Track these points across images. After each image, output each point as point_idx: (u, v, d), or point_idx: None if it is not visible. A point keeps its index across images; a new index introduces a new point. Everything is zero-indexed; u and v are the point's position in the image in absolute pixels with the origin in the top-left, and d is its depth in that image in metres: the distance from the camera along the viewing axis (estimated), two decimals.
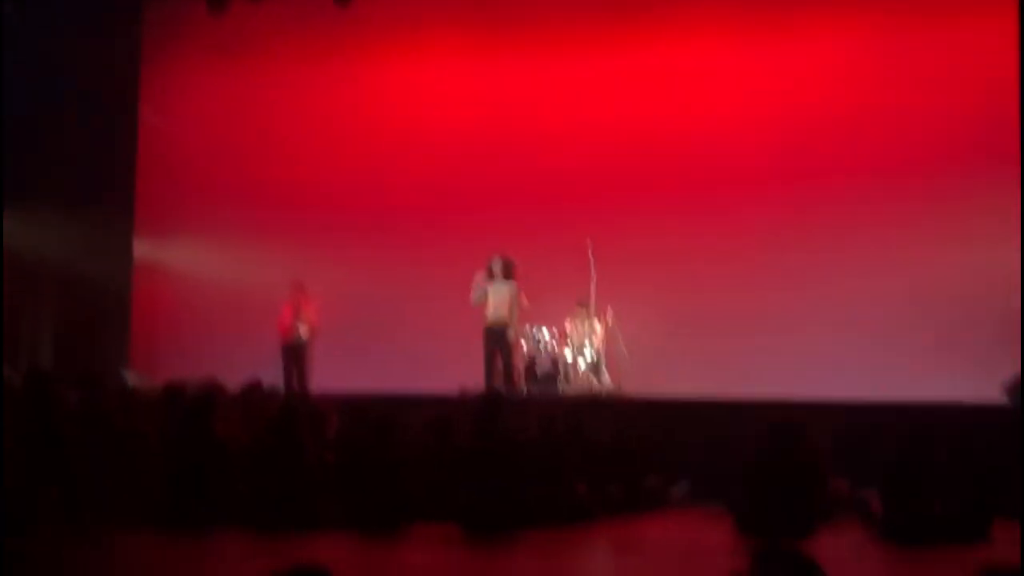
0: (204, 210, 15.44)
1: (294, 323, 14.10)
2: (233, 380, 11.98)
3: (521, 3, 14.45)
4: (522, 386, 13.00)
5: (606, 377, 13.21)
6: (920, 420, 8.97)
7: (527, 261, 13.23)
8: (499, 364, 12.96)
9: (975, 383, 11.73)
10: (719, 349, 13.35)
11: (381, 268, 14.70)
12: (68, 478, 8.95)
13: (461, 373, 13.04)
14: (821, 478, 9.63)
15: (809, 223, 13.40)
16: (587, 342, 13.21)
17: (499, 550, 8.04)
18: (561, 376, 13.03)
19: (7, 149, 14.25)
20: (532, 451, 9.23)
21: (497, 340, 12.94)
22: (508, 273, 13.08)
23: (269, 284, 14.60)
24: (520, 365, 13.14)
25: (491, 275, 13.08)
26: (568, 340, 13.25)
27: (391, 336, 14.43)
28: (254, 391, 12.06)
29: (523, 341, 13.22)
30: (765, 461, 8.80)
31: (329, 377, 13.62)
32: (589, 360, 13.20)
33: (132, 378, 13.77)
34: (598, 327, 13.22)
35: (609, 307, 13.23)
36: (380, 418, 9.11)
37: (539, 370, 13.01)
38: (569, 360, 13.18)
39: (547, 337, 13.21)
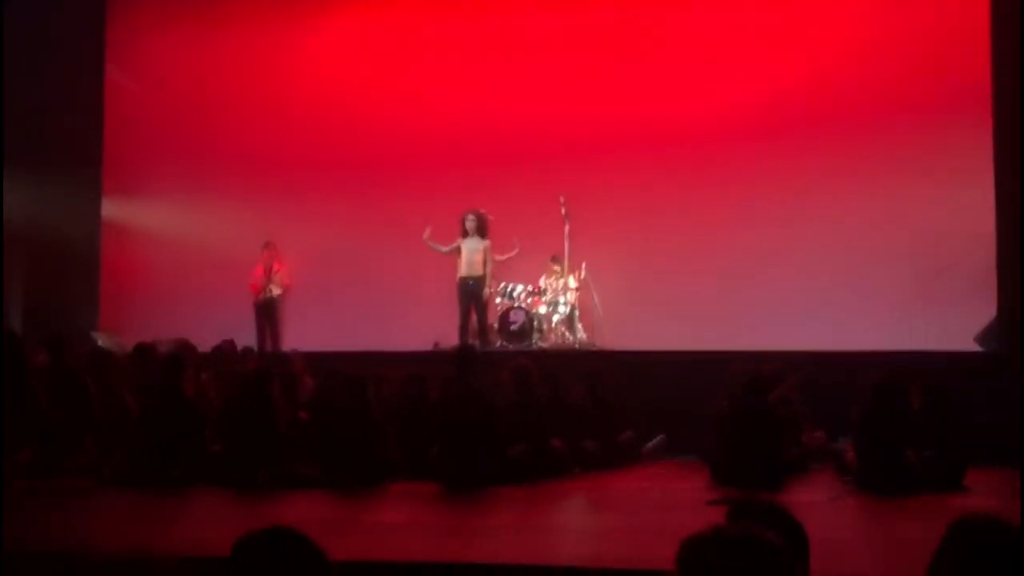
0: (172, 169, 15.28)
1: (266, 282, 14.08)
2: (205, 340, 11.95)
3: None
4: (496, 341, 12.99)
5: (580, 332, 13.21)
6: (893, 369, 8.99)
7: (500, 217, 13.20)
8: (473, 320, 12.97)
9: (949, 331, 11.81)
10: (693, 302, 13.35)
11: (353, 225, 14.61)
12: (40, 438, 8.91)
13: (434, 329, 13.05)
14: (796, 430, 9.68)
15: (782, 175, 13.36)
16: (561, 297, 13.19)
17: (476, 506, 8.03)
18: (535, 331, 13.02)
19: None
20: (507, 407, 9.22)
21: (471, 295, 12.94)
22: (482, 229, 13.06)
23: (240, 243, 14.52)
24: (494, 320, 13.13)
25: (465, 231, 13.06)
26: (542, 295, 13.24)
27: (364, 293, 14.37)
28: (226, 350, 12.03)
29: (497, 297, 13.21)
30: (738, 413, 8.82)
31: (302, 335, 13.59)
32: (563, 315, 13.20)
33: (102, 339, 13.69)
34: (572, 282, 13.21)
35: (583, 262, 13.22)
36: (354, 376, 9.08)
37: (513, 325, 12.99)
38: (543, 314, 13.18)
39: (521, 292, 13.19)
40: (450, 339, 12.72)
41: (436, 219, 13.33)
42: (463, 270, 13.00)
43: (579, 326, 13.23)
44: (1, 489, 7.39)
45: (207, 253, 14.91)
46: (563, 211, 13.08)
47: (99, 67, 15.35)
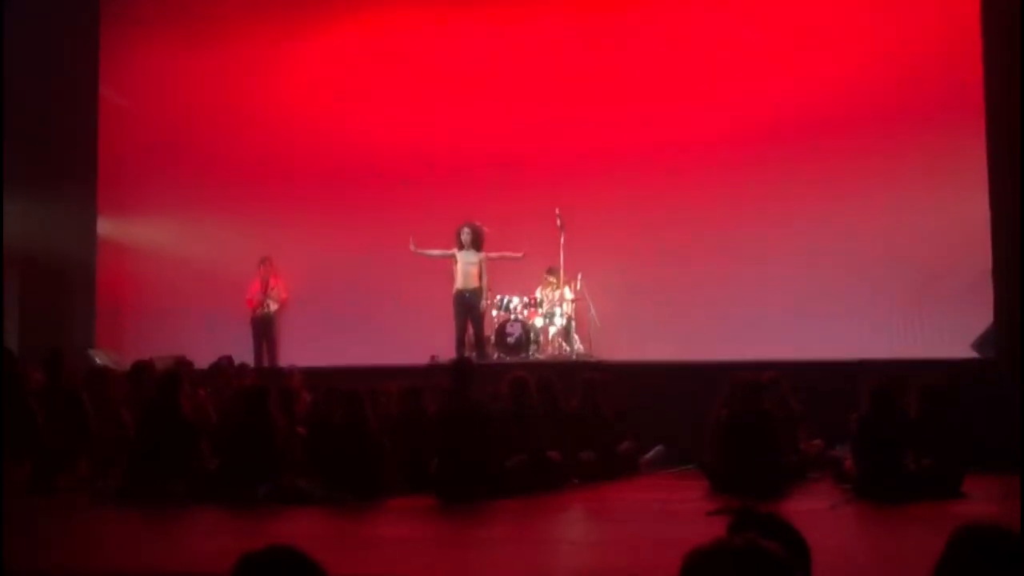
0: (168, 186, 15.27)
1: (263, 297, 14.08)
2: (202, 356, 11.93)
3: None
4: (493, 354, 12.98)
5: (577, 343, 13.21)
6: (890, 375, 8.98)
7: (496, 229, 13.20)
8: (470, 332, 12.97)
9: (946, 338, 11.82)
10: (690, 313, 13.35)
11: (349, 240, 14.59)
12: (37, 456, 8.90)
13: (431, 343, 13.03)
14: (794, 438, 9.67)
15: (777, 185, 13.36)
16: (557, 309, 13.20)
17: (474, 520, 8.02)
18: (532, 343, 13.01)
19: None
20: (504, 419, 9.20)
21: (467, 308, 12.94)
22: (477, 241, 13.05)
23: (236, 259, 14.52)
24: (491, 333, 13.13)
25: (460, 244, 13.06)
26: (538, 307, 13.24)
27: (360, 308, 14.35)
28: (224, 366, 12.02)
29: (493, 309, 13.21)
30: (736, 421, 8.81)
31: (299, 351, 13.56)
32: (560, 326, 13.20)
33: (99, 357, 13.67)
34: (568, 293, 13.21)
35: (579, 273, 13.22)
36: (351, 391, 9.06)
37: (510, 337, 12.98)
38: (539, 326, 13.18)
39: (517, 304, 13.19)
40: (447, 353, 12.69)
41: (433, 232, 13.31)
42: (459, 282, 13.00)
43: (576, 337, 13.22)
44: (1, 506, 7.38)
45: (203, 270, 14.89)
46: (559, 222, 13.07)
47: (93, 85, 15.35)
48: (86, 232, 15.20)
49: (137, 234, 15.43)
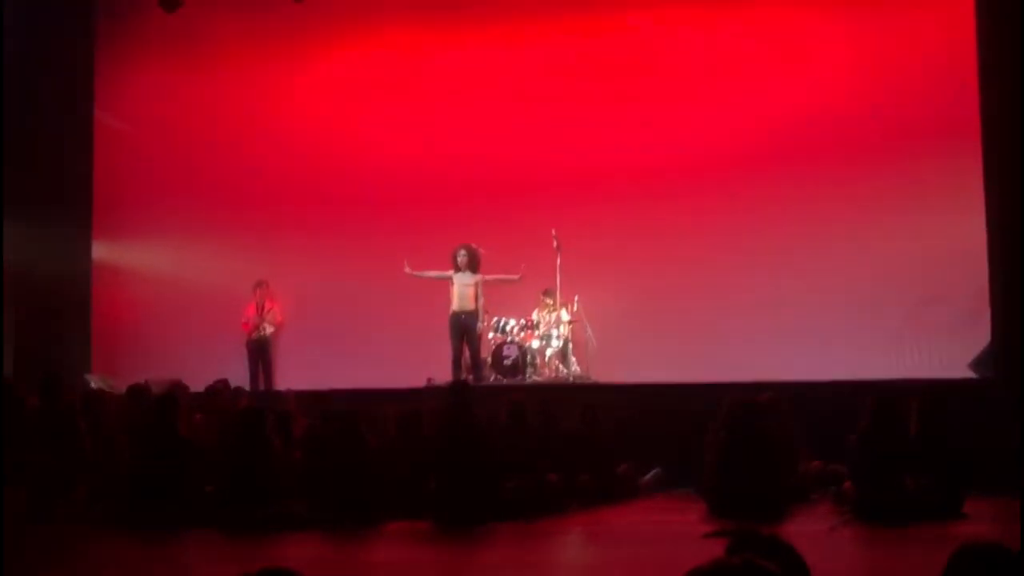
0: (163, 210, 15.26)
1: (259, 320, 14.06)
2: (198, 380, 11.89)
3: None
4: (490, 376, 12.96)
5: (574, 365, 13.19)
6: (889, 397, 8.95)
7: (492, 251, 13.19)
8: (466, 354, 12.95)
9: (944, 358, 11.81)
10: (687, 334, 13.34)
11: (344, 263, 14.58)
12: (33, 481, 8.86)
13: (428, 366, 13.01)
14: (793, 459, 9.64)
15: (773, 206, 13.38)
16: (554, 331, 13.18)
17: (472, 544, 7.98)
18: (529, 365, 12.99)
19: None
20: (502, 442, 9.17)
21: (464, 330, 12.92)
22: (473, 263, 13.05)
23: (231, 283, 14.51)
24: (487, 355, 13.11)
25: (456, 266, 13.05)
26: (535, 329, 13.23)
27: (357, 331, 14.33)
28: (219, 390, 11.97)
29: (490, 332, 13.20)
30: (734, 443, 8.78)
31: (295, 374, 13.53)
32: (556, 348, 13.19)
33: (95, 381, 13.63)
34: (565, 315, 13.20)
35: (575, 295, 13.21)
36: (347, 414, 9.03)
37: (506, 360, 12.96)
38: (536, 348, 13.16)
39: (514, 327, 13.18)
40: (444, 375, 12.67)
41: (429, 254, 13.32)
42: (455, 304, 12.99)
43: (573, 359, 13.21)
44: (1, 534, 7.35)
45: (199, 294, 14.88)
46: (555, 244, 13.07)
47: (88, 110, 15.35)
48: (81, 256, 15.17)
49: (133, 258, 15.40)
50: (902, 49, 13.05)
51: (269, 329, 14.12)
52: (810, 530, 7.76)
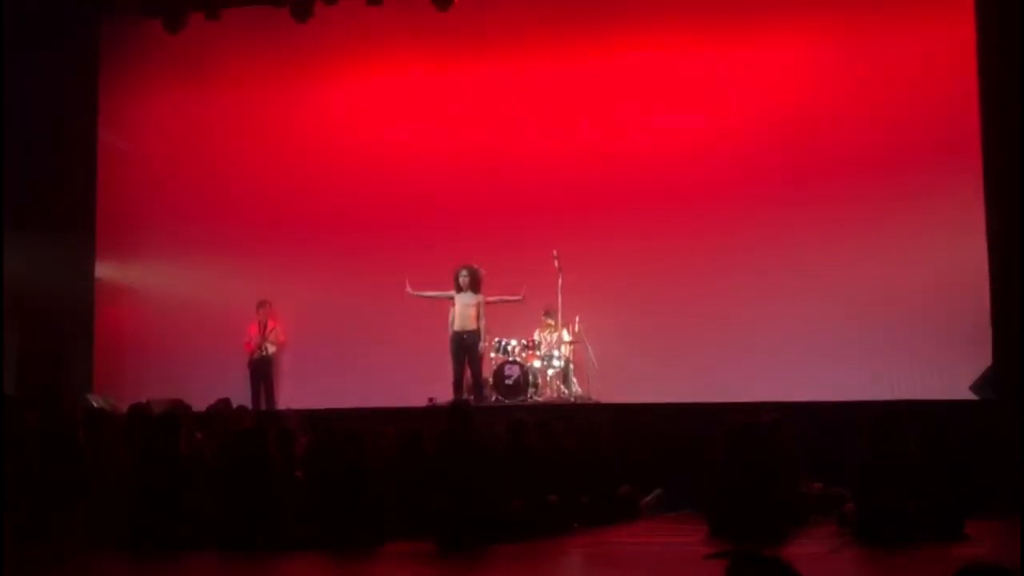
0: (166, 230, 15.30)
1: (261, 340, 14.07)
2: (200, 399, 11.89)
3: (483, 15, 14.36)
4: (491, 396, 12.96)
5: (575, 385, 13.19)
6: (890, 418, 8.94)
7: (493, 271, 13.20)
8: (468, 374, 12.95)
9: (945, 381, 11.80)
10: (688, 355, 13.36)
11: (347, 283, 14.61)
12: (33, 500, 8.84)
13: (429, 385, 13.01)
14: (794, 480, 9.62)
15: (773, 227, 13.41)
16: (555, 351, 13.19)
17: (473, 565, 7.96)
18: (530, 385, 12.99)
19: None
20: (503, 462, 9.15)
21: (465, 349, 12.93)
22: (475, 284, 13.06)
23: (233, 302, 14.53)
24: (489, 375, 13.11)
25: (458, 286, 13.06)
26: (536, 349, 13.23)
27: (358, 350, 14.35)
28: (221, 410, 11.96)
29: (491, 352, 13.21)
30: (736, 464, 8.76)
31: (297, 393, 13.55)
32: (558, 368, 13.18)
33: (96, 401, 13.61)
34: (566, 335, 13.21)
35: (576, 316, 13.22)
36: (349, 434, 9.02)
37: (508, 380, 12.96)
38: (538, 368, 13.16)
39: (515, 347, 13.18)
40: (445, 395, 12.68)
41: (431, 274, 13.33)
42: (456, 324, 13.01)
43: (574, 379, 13.21)
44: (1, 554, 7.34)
45: (201, 313, 14.90)
46: (556, 265, 13.10)
47: (92, 129, 15.39)
48: (84, 275, 15.20)
49: (135, 277, 15.44)
50: (902, 68, 13.12)
51: (271, 348, 14.16)
52: (811, 551, 7.74)
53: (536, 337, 13.38)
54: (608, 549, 8.75)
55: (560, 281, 13.09)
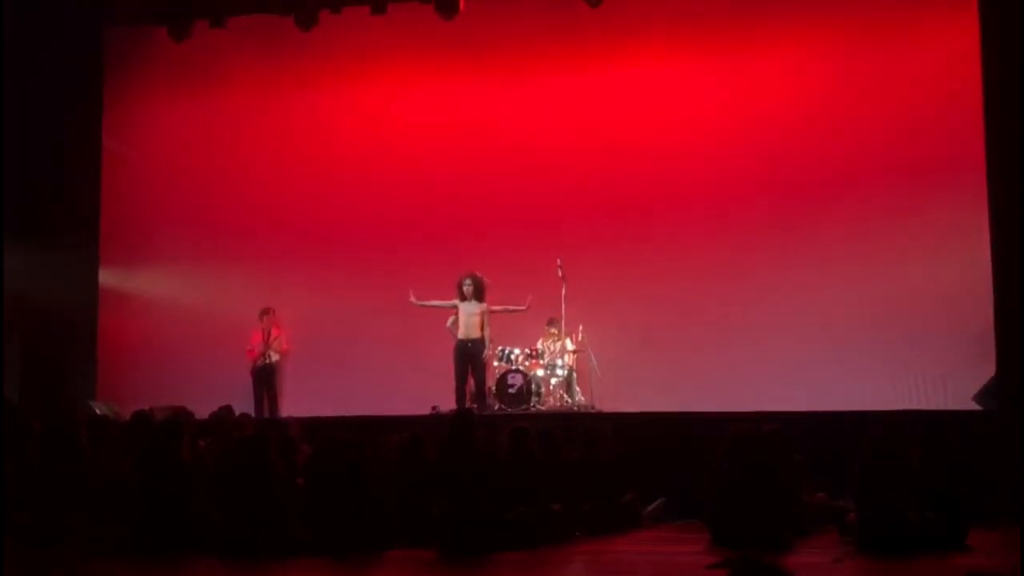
0: (170, 238, 15.32)
1: (264, 348, 14.08)
2: (202, 407, 11.89)
3: (485, 25, 14.37)
4: (494, 405, 12.96)
5: (578, 394, 13.19)
6: (893, 429, 8.93)
7: (497, 280, 13.21)
8: (471, 383, 12.95)
9: (948, 391, 11.79)
10: (692, 364, 13.35)
11: (350, 291, 14.62)
12: (35, 507, 8.85)
13: (433, 394, 13.00)
14: (797, 490, 9.60)
15: (777, 237, 13.42)
16: (559, 360, 13.19)
17: (475, 573, 7.96)
18: (533, 394, 12.99)
19: None
20: (505, 471, 9.15)
21: (468, 358, 12.94)
22: (479, 292, 13.07)
23: (237, 310, 14.55)
24: (492, 384, 13.11)
25: (462, 295, 13.07)
26: (540, 358, 13.23)
27: (362, 358, 14.35)
28: (224, 417, 11.96)
29: (495, 360, 13.21)
30: (738, 473, 8.76)
31: (300, 401, 13.55)
32: (561, 377, 13.18)
33: (99, 407, 13.63)
34: (569, 344, 13.21)
35: (580, 325, 13.23)
36: (351, 441, 9.02)
37: (511, 388, 12.96)
38: (541, 377, 13.16)
39: (518, 355, 13.19)
40: (448, 403, 12.68)
41: (435, 283, 13.34)
42: (460, 333, 13.02)
43: (577, 388, 13.21)
44: (1, 559, 7.34)
45: (204, 321, 14.92)
46: (560, 274, 13.10)
47: (96, 136, 15.42)
48: (88, 283, 15.22)
49: (139, 285, 15.46)
50: (906, 75, 13.12)
51: (275, 356, 14.17)
52: (813, 561, 7.73)
53: (539, 346, 13.38)
54: (610, 557, 8.74)
55: (564, 290, 13.09)
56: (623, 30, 14.17)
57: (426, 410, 12.83)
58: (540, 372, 13.23)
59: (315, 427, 11.15)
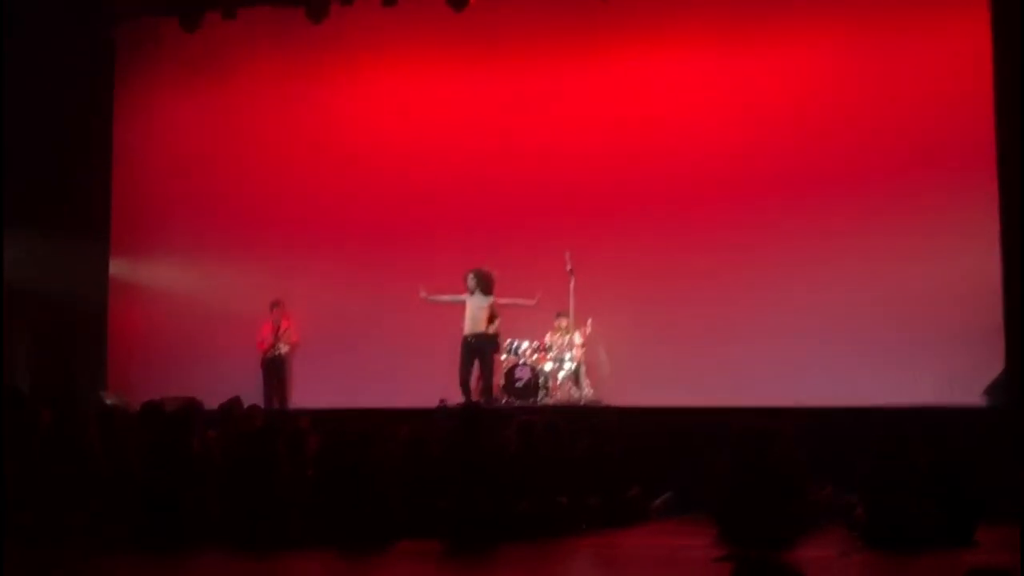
0: (180, 228, 15.36)
1: (274, 340, 14.10)
2: (212, 398, 11.92)
3: (496, 16, 14.37)
4: (502, 398, 12.97)
5: (586, 388, 13.19)
6: (900, 424, 8.93)
7: (506, 274, 13.21)
8: (476, 376, 12.96)
9: (956, 386, 11.77)
10: (700, 358, 13.33)
11: (359, 283, 14.64)
12: (43, 500, 8.88)
13: (441, 387, 13.01)
14: (803, 485, 9.60)
15: (786, 232, 13.40)
16: (567, 353, 13.19)
17: (483, 565, 7.98)
18: (541, 387, 13.00)
19: None
20: (512, 464, 9.17)
21: (475, 352, 12.95)
22: (486, 286, 13.07)
23: (247, 302, 14.56)
24: (499, 377, 13.12)
25: (469, 289, 13.08)
26: (548, 352, 13.24)
27: (370, 351, 14.37)
28: (233, 409, 11.98)
29: (503, 354, 13.22)
30: (744, 469, 8.76)
31: (309, 393, 13.58)
32: (569, 371, 13.19)
33: (110, 398, 13.68)
34: (578, 338, 13.21)
35: (588, 318, 13.23)
36: (359, 433, 9.04)
37: (519, 382, 12.98)
38: (549, 371, 13.17)
39: (526, 349, 13.20)
40: (456, 396, 12.70)
41: (444, 277, 13.36)
42: (467, 327, 13.03)
43: (585, 382, 13.21)
44: (3, 551, 7.37)
45: (214, 312, 14.95)
46: (568, 267, 13.10)
47: (107, 128, 15.46)
48: (98, 273, 15.27)
49: (149, 276, 15.49)
50: (915, 71, 13.08)
51: (284, 348, 14.20)
52: (819, 556, 7.74)
53: (547, 340, 13.38)
54: (616, 551, 8.76)
55: (572, 283, 13.09)
56: (634, 23, 14.15)
57: (434, 403, 12.85)
58: (548, 366, 13.23)
59: (324, 419, 11.18)
